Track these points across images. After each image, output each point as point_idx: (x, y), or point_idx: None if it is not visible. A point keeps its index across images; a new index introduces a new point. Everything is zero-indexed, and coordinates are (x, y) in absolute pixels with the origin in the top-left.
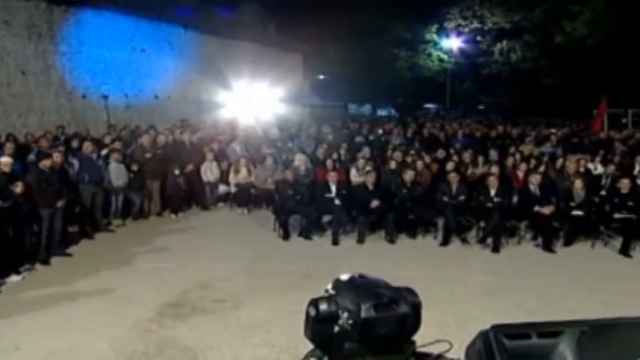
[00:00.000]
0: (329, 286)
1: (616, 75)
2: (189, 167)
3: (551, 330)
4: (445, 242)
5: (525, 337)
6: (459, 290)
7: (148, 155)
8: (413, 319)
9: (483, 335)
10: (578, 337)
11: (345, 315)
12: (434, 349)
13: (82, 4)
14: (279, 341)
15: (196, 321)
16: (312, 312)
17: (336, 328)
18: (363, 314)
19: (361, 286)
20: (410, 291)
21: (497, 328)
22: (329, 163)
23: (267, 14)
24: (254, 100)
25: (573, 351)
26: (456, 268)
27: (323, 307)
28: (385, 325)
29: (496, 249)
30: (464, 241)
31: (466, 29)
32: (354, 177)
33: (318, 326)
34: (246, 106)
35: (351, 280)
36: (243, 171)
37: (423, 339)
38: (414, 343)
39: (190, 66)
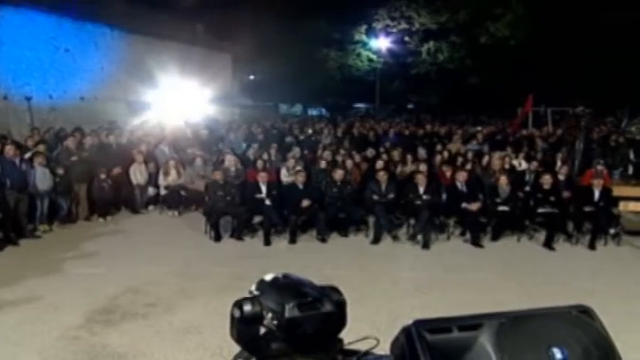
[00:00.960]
0: (253, 287)
1: (537, 74)
2: (117, 170)
3: (471, 323)
4: (376, 240)
5: (447, 331)
6: (391, 287)
7: (74, 158)
8: (338, 318)
9: (406, 330)
10: (496, 328)
11: (270, 315)
12: (362, 346)
13: (0, 2)
14: (212, 344)
15: (128, 326)
16: (237, 313)
17: (262, 329)
18: (287, 314)
19: (285, 286)
20: (334, 289)
21: (419, 323)
22: (259, 163)
23: (196, 14)
24: (183, 101)
25: (492, 342)
26: (387, 265)
27: (247, 308)
28: (310, 324)
29: (426, 245)
30: (395, 238)
31: (394, 30)
32: (285, 177)
33: (244, 327)
34: (174, 107)
35: (275, 280)
36: (173, 173)
37: (355, 336)
38: (341, 340)
39: (117, 66)
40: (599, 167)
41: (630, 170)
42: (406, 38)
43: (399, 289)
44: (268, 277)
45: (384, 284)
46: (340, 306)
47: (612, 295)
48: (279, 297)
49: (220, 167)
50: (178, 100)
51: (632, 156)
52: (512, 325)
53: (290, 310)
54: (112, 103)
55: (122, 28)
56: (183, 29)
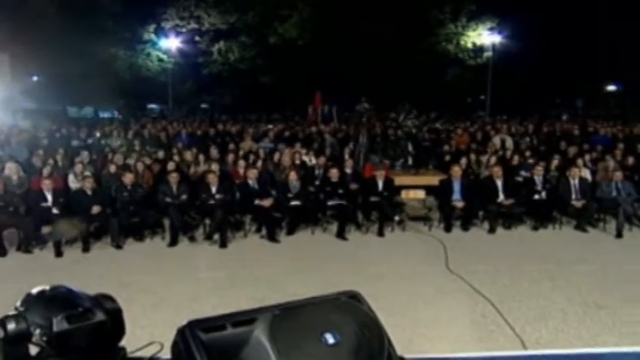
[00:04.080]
0: (18, 303)
1: (325, 73)
2: None
3: (245, 318)
4: (173, 242)
5: (221, 329)
6: (190, 288)
7: None
8: (113, 326)
9: (181, 332)
10: (270, 321)
11: (38, 331)
12: (147, 352)
13: None
14: None
15: None
16: (0, 333)
17: (32, 348)
18: (55, 328)
19: (52, 299)
20: (108, 297)
21: (193, 323)
22: (46, 170)
23: None
24: None
25: (267, 334)
26: (186, 267)
27: (11, 326)
28: (82, 336)
29: (223, 244)
30: (191, 239)
31: (184, 30)
32: (73, 183)
33: (10, 348)
34: None
35: (41, 293)
36: None
37: (159, 341)
38: (123, 349)
39: None
40: (375, 160)
41: (410, 161)
42: (197, 38)
43: (199, 289)
44: (34, 290)
45: (184, 286)
46: (114, 314)
47: (401, 277)
48: (46, 311)
49: (0, 176)
50: None
51: (410, 148)
52: (285, 316)
53: (58, 324)
54: None
55: None
56: None
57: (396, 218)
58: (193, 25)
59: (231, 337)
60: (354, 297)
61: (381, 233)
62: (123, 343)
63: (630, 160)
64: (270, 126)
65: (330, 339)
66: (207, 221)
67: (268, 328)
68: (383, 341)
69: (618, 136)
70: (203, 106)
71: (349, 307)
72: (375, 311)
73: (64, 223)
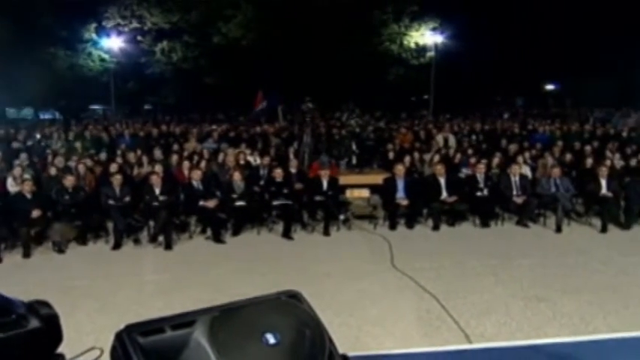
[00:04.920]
0: None
1: (269, 73)
2: None
3: (184, 321)
4: (117, 245)
5: (160, 332)
6: (135, 292)
7: None
8: (49, 333)
9: (118, 336)
10: (209, 323)
11: None
12: (86, 358)
13: None
14: None
15: None
16: None
17: None
18: None
19: None
20: (44, 304)
21: (131, 327)
22: None
23: None
24: None
25: (207, 336)
26: (131, 270)
27: None
28: (16, 344)
29: (168, 246)
30: (136, 242)
31: (126, 29)
32: (12, 186)
33: None
34: None
35: None
36: None
37: (104, 347)
38: (61, 355)
39: None
40: (323, 159)
41: (354, 160)
42: (139, 37)
43: (144, 292)
44: None
45: (128, 290)
46: (50, 320)
47: (347, 275)
48: None
49: None
50: None
51: (354, 147)
52: (225, 318)
53: None
54: None
55: None
56: None
57: (342, 217)
58: (135, 25)
59: (170, 340)
60: (294, 296)
61: (326, 232)
62: (64, 349)
63: (568, 157)
64: (215, 126)
65: (270, 339)
66: (152, 223)
67: (208, 329)
68: (324, 340)
69: (556, 133)
70: (147, 106)
71: (289, 307)
72: (321, 310)
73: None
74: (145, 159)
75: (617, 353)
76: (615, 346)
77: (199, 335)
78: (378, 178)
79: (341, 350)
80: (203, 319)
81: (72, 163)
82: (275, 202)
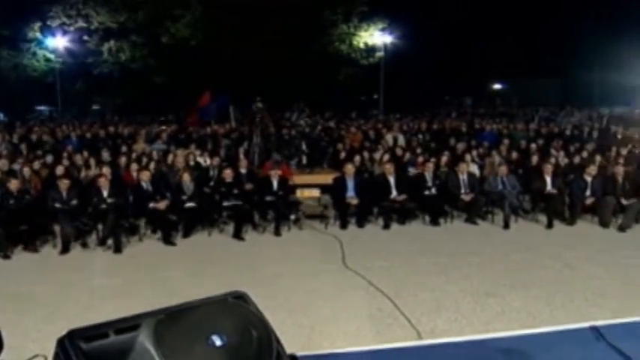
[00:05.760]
0: None
1: (218, 73)
2: None
3: (128, 325)
4: (65, 250)
5: (103, 337)
6: (85, 296)
7: None
8: None
9: (60, 342)
10: (154, 326)
11: None
12: None
13: None
14: None
15: None
16: None
17: None
18: None
19: None
20: None
21: (74, 333)
22: None
23: None
24: None
25: (152, 340)
26: (80, 275)
27: None
28: None
29: (118, 249)
30: (84, 245)
31: (72, 28)
32: None
33: None
34: None
35: None
36: None
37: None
38: None
39: None
40: (276, 159)
41: (304, 160)
42: (85, 37)
43: (94, 297)
44: None
45: (78, 295)
46: None
47: (298, 275)
48: None
49: None
50: None
51: (304, 147)
52: (170, 321)
53: None
54: None
55: None
56: None
57: (292, 217)
58: (81, 24)
59: (114, 345)
60: (240, 297)
61: (277, 232)
62: (6, 358)
63: (514, 155)
64: (164, 127)
65: (217, 341)
66: (100, 226)
67: (153, 333)
68: (271, 340)
69: (503, 132)
70: (95, 107)
71: (236, 308)
72: (274, 310)
73: None
74: (92, 161)
75: (563, 345)
76: (561, 338)
77: (144, 339)
78: (328, 178)
79: (293, 350)
80: (148, 322)
81: (16, 166)
82: (225, 203)
